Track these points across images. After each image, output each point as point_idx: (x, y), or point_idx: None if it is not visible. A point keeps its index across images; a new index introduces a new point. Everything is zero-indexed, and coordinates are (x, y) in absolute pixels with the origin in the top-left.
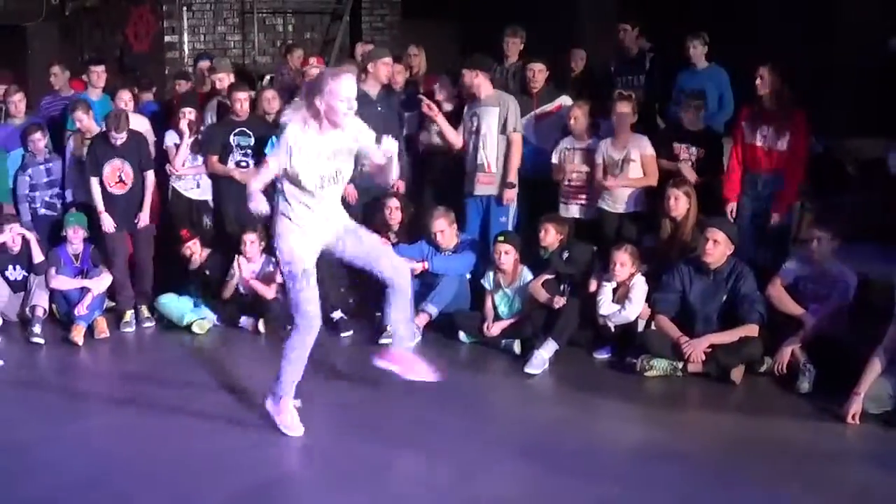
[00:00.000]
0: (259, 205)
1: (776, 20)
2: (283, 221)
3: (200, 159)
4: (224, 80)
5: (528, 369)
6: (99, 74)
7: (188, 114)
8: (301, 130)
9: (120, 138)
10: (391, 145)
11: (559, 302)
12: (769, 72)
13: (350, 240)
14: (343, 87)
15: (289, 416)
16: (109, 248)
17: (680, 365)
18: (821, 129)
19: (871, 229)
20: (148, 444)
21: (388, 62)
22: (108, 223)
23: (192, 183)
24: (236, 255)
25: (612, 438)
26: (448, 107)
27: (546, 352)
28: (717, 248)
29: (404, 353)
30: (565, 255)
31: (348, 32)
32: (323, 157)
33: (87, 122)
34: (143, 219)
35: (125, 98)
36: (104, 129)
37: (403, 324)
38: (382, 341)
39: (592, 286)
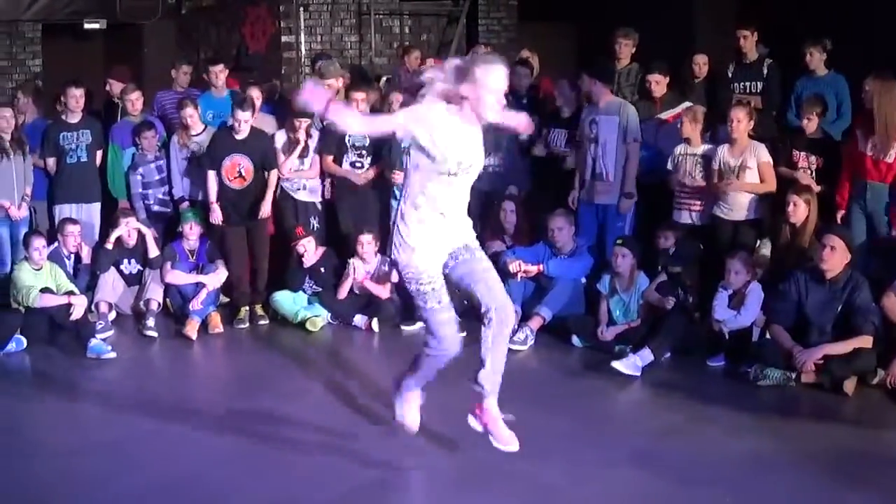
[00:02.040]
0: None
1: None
2: (408, 230)
3: (308, 162)
4: (334, 85)
5: (615, 364)
6: (217, 74)
7: (303, 123)
8: (445, 108)
9: (238, 125)
10: None
11: (670, 303)
12: (874, 82)
13: (466, 259)
14: (494, 78)
15: (408, 409)
16: (226, 244)
17: (793, 375)
18: None
19: None
20: (257, 440)
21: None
22: (217, 215)
23: (300, 184)
24: (352, 256)
25: (723, 447)
26: (567, 112)
27: (640, 359)
28: (835, 256)
29: (492, 410)
30: (671, 250)
31: (465, 35)
32: (462, 142)
33: (195, 118)
34: (264, 210)
35: (255, 94)
36: (230, 118)
37: (493, 374)
38: (405, 328)
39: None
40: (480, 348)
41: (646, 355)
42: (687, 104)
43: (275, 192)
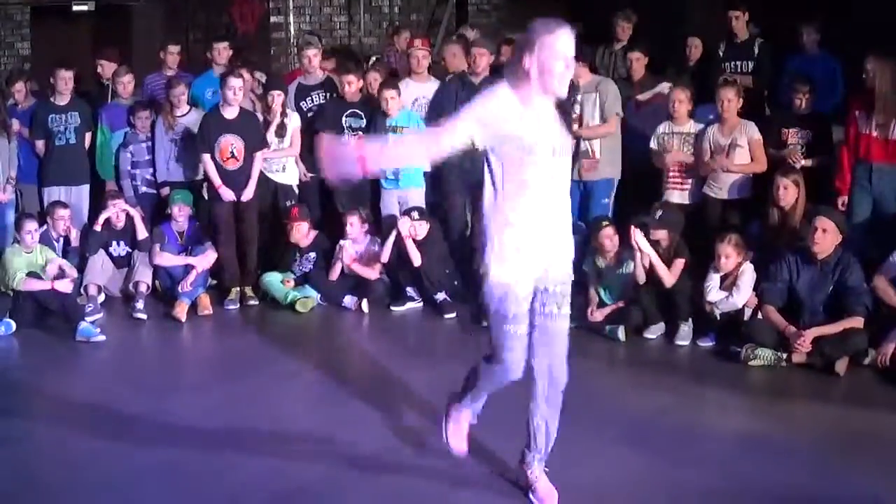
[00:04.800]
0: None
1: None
2: (499, 243)
3: (287, 141)
4: (313, 58)
5: (678, 340)
6: (221, 51)
7: (277, 96)
8: (509, 91)
9: (231, 93)
10: None
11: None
12: (874, 61)
13: (544, 300)
14: (561, 42)
15: (455, 430)
16: (216, 224)
17: (784, 355)
18: None
19: None
20: (248, 421)
21: (483, 53)
22: (227, 194)
23: (279, 165)
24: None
25: (714, 427)
26: None
27: (688, 327)
28: (826, 238)
29: (548, 489)
30: (658, 213)
31: (454, 15)
32: (544, 123)
33: (183, 98)
34: (248, 193)
35: (244, 76)
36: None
37: (545, 447)
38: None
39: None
40: (531, 418)
41: (690, 324)
42: (664, 86)
43: None
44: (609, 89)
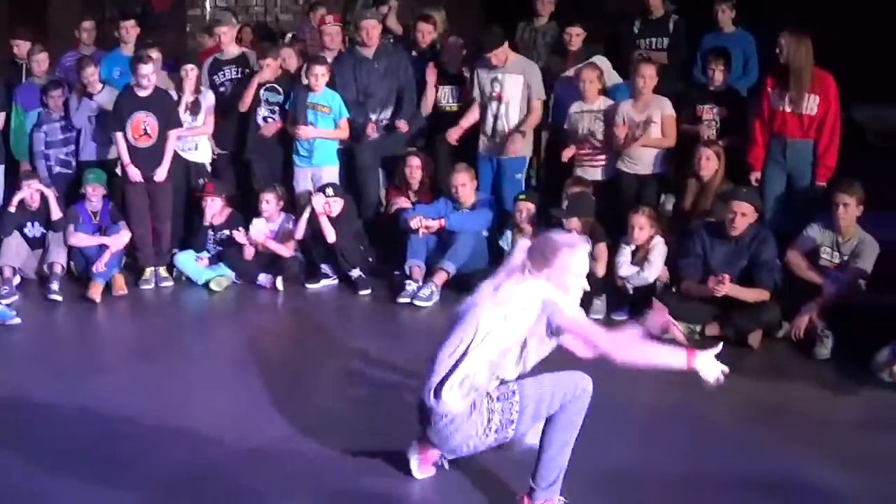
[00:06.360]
0: None
1: None
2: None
3: (200, 119)
4: (224, 35)
5: (592, 314)
6: (129, 29)
7: (190, 72)
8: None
9: (145, 80)
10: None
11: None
12: (788, 37)
13: None
14: (577, 263)
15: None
16: (129, 204)
17: (697, 328)
18: (841, 95)
19: (891, 197)
20: (163, 402)
21: (374, 25)
22: (134, 173)
23: (191, 143)
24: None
25: (628, 399)
26: (454, 69)
27: (602, 301)
28: (745, 220)
29: None
30: (565, 203)
31: None
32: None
33: (95, 78)
34: (161, 173)
35: (154, 56)
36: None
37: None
38: (401, 300)
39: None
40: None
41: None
42: (600, 58)
43: None
44: (535, 73)
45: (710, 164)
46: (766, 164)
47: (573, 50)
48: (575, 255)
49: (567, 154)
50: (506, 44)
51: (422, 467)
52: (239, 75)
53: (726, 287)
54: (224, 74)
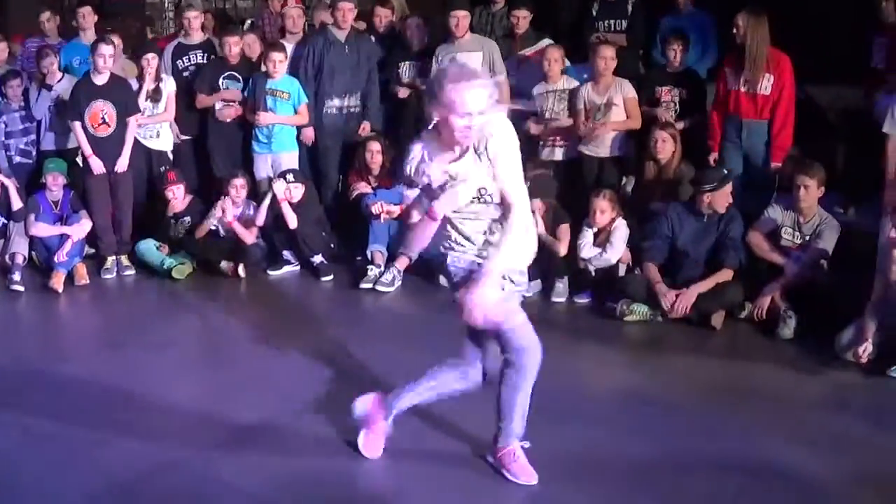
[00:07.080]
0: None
1: None
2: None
3: (162, 105)
4: (193, 20)
5: (554, 297)
6: (86, 16)
7: (151, 60)
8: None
9: (102, 60)
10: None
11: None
12: (745, 17)
13: None
14: (468, 99)
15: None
16: (90, 193)
17: (658, 312)
18: (801, 76)
19: (852, 178)
20: (124, 392)
21: (350, 7)
22: (96, 165)
23: (152, 131)
24: (222, 197)
25: (592, 383)
26: (417, 46)
27: (564, 284)
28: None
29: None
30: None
31: None
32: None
33: (54, 67)
34: (122, 163)
35: (115, 42)
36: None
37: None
38: (363, 286)
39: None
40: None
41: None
42: (547, 41)
43: None
44: (494, 48)
45: (665, 146)
46: (722, 144)
47: (520, 33)
48: (461, 91)
49: (536, 129)
50: (468, 13)
51: (368, 446)
52: (204, 60)
53: (680, 311)
54: (189, 59)
